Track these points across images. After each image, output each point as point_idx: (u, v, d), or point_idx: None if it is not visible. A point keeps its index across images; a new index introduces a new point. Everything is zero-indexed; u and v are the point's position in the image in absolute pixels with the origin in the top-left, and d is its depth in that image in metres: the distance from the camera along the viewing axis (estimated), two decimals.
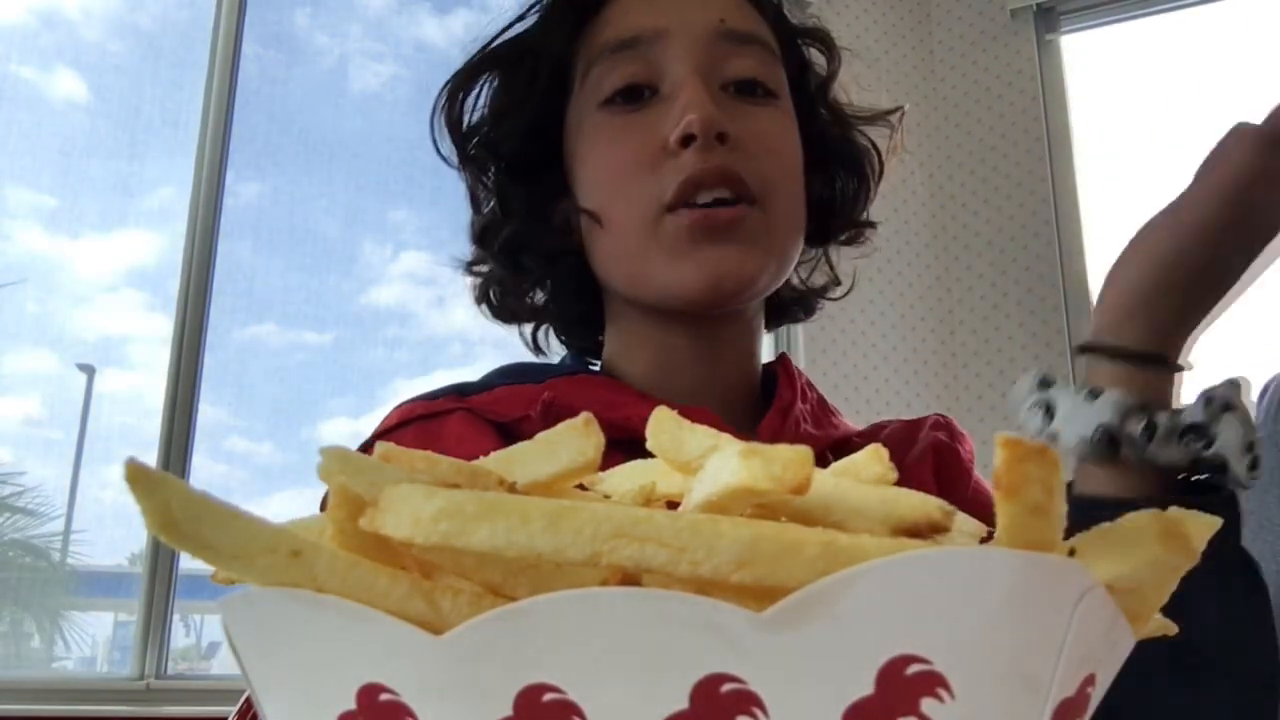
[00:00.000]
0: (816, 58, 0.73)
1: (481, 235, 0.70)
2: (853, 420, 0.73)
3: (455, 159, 0.70)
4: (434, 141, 0.70)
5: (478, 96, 0.70)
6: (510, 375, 0.70)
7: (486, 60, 0.70)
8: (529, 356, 0.76)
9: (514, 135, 0.68)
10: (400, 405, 0.68)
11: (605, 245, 0.65)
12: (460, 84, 0.69)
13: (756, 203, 0.61)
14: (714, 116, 0.60)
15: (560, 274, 0.69)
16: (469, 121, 0.69)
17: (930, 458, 0.68)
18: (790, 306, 0.75)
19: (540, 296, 0.72)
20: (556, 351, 0.76)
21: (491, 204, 0.69)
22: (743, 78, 0.64)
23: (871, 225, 0.75)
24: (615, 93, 0.63)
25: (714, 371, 0.67)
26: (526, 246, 0.68)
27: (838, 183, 0.73)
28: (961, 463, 0.69)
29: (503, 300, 0.72)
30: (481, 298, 0.73)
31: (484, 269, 0.72)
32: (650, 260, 0.62)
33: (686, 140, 0.60)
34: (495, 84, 0.70)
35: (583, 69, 0.66)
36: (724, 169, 0.60)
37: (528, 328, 0.75)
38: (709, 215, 0.60)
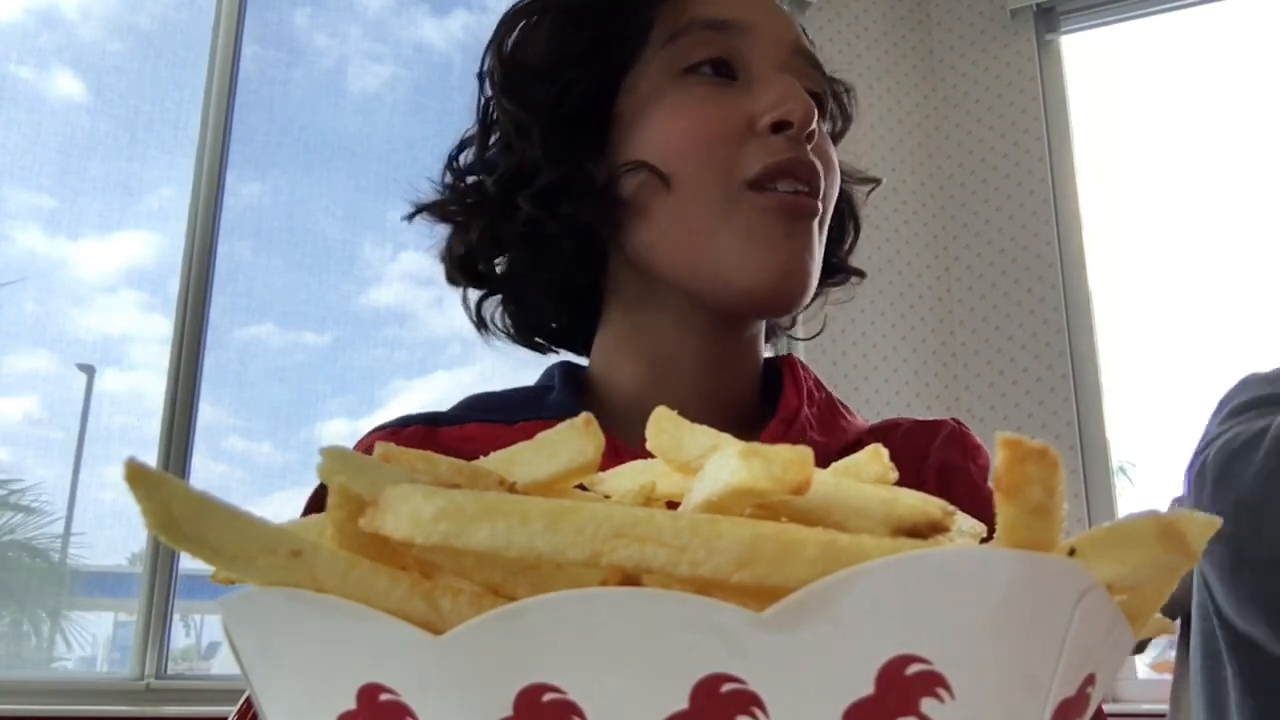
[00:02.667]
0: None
1: (511, 178, 0.65)
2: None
3: (495, 88, 0.67)
4: (482, 64, 0.68)
5: (539, 29, 0.67)
6: (485, 409, 0.67)
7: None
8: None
9: (583, 83, 0.64)
10: (370, 433, 0.65)
11: (663, 211, 0.62)
12: (524, 13, 0.67)
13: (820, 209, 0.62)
14: (814, 112, 0.60)
15: (581, 238, 0.65)
16: (526, 56, 0.66)
17: (933, 478, 0.66)
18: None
19: (523, 260, 0.67)
20: (501, 330, 0.71)
21: (526, 148, 0.65)
22: (814, 89, 0.65)
23: (860, 274, 0.74)
24: (705, 61, 0.63)
25: (717, 384, 0.66)
26: (568, 195, 0.64)
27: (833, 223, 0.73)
28: (970, 481, 0.67)
29: (474, 257, 0.67)
30: (455, 261, 0.68)
31: (461, 217, 0.67)
32: (719, 237, 0.60)
33: (779, 126, 0.60)
34: (564, 23, 0.66)
35: (665, 35, 0.64)
36: (814, 167, 0.60)
37: (474, 295, 0.70)
38: (796, 201, 0.60)
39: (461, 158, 0.70)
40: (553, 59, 0.65)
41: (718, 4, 0.64)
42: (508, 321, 0.71)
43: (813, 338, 0.77)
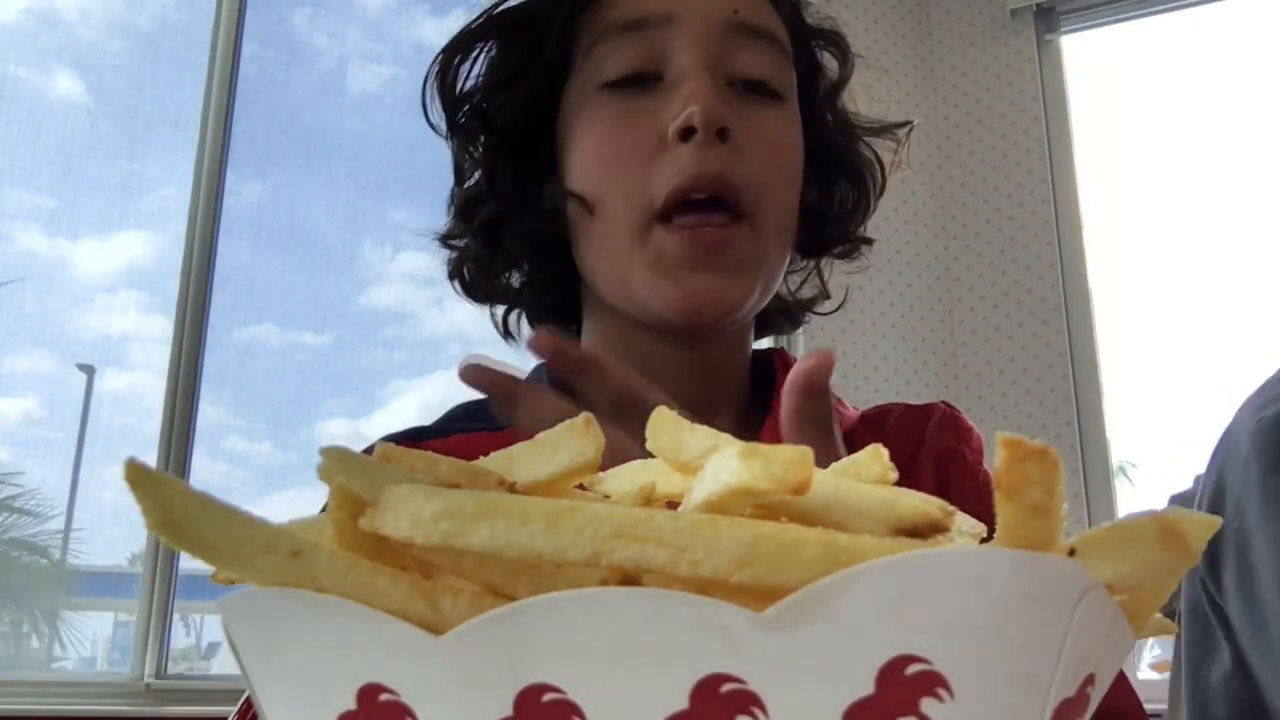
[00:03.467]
0: (828, 61, 0.70)
1: (464, 209, 0.67)
2: None
3: (444, 126, 0.67)
4: (424, 107, 0.67)
5: (474, 63, 0.67)
6: (470, 418, 0.67)
7: (488, 27, 0.66)
8: (528, 358, 0.74)
9: (509, 108, 0.64)
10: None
11: (591, 236, 0.62)
12: (457, 48, 0.66)
13: (746, 218, 0.59)
14: (717, 110, 0.57)
15: (540, 259, 0.66)
16: (463, 88, 0.67)
17: (931, 464, 0.65)
18: (776, 318, 0.72)
19: (516, 279, 0.69)
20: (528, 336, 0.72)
21: (476, 177, 0.66)
22: (750, 76, 0.61)
23: (868, 241, 0.72)
24: (618, 76, 0.61)
25: (702, 387, 0.65)
26: (509, 226, 0.65)
27: (836, 194, 0.70)
28: (966, 466, 0.66)
29: (475, 279, 0.69)
30: (455, 274, 0.70)
31: (460, 244, 0.69)
32: (633, 269, 0.60)
33: (686, 133, 0.57)
34: (494, 53, 0.66)
35: (586, 46, 0.63)
36: (720, 178, 0.57)
37: (499, 309, 0.71)
38: (695, 236, 0.58)
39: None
40: (486, 88, 0.65)
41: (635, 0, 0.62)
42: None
43: (832, 312, 0.75)
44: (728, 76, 0.61)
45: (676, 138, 0.58)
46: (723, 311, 0.60)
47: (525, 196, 0.64)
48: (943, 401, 0.70)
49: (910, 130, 0.72)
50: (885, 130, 0.72)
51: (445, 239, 0.70)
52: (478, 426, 0.64)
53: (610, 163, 0.60)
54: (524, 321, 0.72)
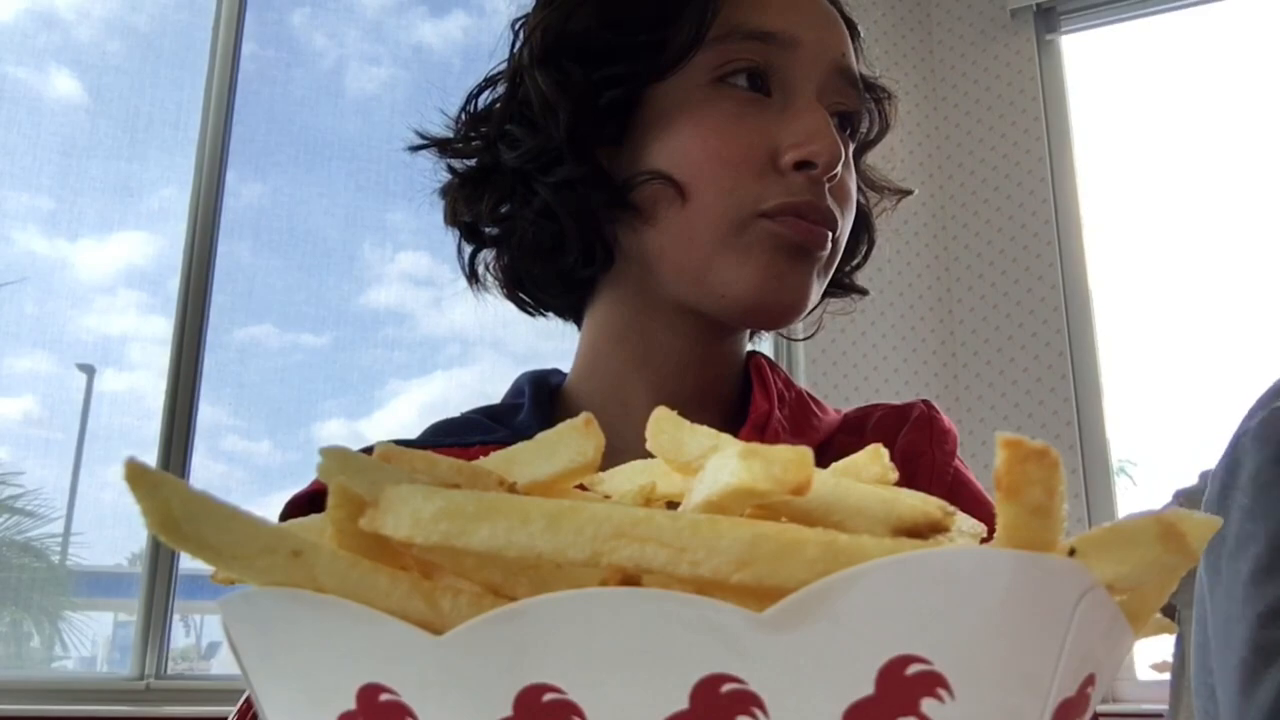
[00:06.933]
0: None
1: (529, 160, 0.63)
2: None
3: (534, 53, 0.63)
4: (523, 21, 0.64)
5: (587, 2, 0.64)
6: (444, 434, 0.67)
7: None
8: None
9: (626, 82, 0.62)
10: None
11: (673, 221, 0.61)
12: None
13: (834, 241, 0.62)
14: (839, 154, 0.59)
15: (589, 229, 0.64)
16: (570, 26, 0.63)
17: (897, 463, 0.65)
18: None
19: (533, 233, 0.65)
20: (490, 286, 0.69)
21: (550, 130, 0.62)
22: (847, 110, 0.65)
23: (862, 292, 0.74)
24: (741, 71, 0.61)
25: (699, 384, 0.66)
26: (584, 191, 0.62)
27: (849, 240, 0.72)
28: (932, 466, 0.65)
29: (475, 224, 0.67)
30: (460, 226, 0.67)
31: (465, 165, 0.67)
32: (719, 254, 0.60)
33: (802, 165, 0.59)
34: (622, 10, 0.63)
35: (708, 38, 0.62)
36: (829, 212, 0.60)
37: (468, 247, 0.69)
38: (810, 231, 0.60)
39: (482, 98, 0.68)
40: (599, 44, 0.63)
41: (765, 12, 0.62)
42: (500, 276, 0.70)
43: (808, 338, 0.77)
44: (828, 108, 0.63)
45: (791, 166, 0.59)
46: (797, 309, 0.62)
47: (597, 165, 0.63)
48: (922, 400, 0.70)
49: (907, 195, 0.75)
50: (894, 193, 0.74)
51: (476, 171, 0.66)
52: (448, 442, 0.64)
53: (719, 161, 0.60)
54: (494, 266, 0.69)
